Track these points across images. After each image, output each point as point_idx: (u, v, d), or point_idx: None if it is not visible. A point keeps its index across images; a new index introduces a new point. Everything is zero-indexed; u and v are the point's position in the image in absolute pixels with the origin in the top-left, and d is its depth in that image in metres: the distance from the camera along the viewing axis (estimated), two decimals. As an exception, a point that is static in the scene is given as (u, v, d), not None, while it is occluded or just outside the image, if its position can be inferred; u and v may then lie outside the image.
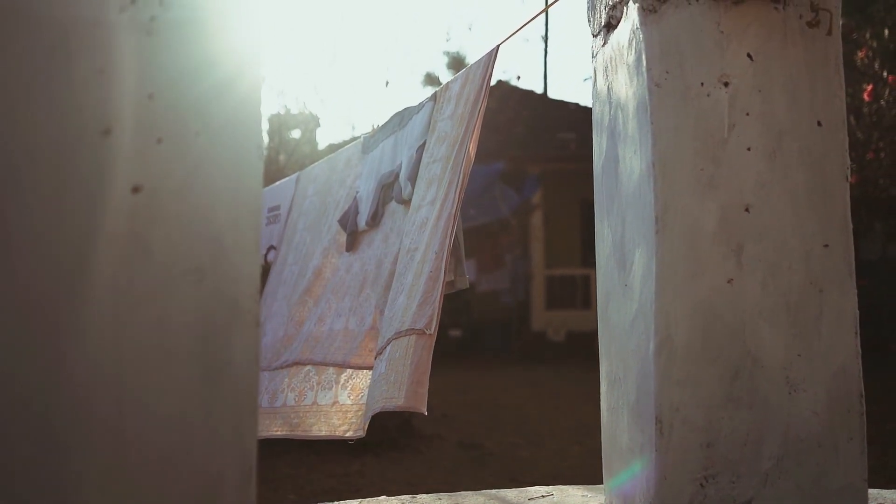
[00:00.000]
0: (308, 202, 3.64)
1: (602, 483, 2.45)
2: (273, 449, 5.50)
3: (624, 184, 2.29)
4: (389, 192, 3.02)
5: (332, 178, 3.51)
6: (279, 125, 10.61)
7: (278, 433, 3.08)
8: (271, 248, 3.90)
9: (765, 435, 2.11)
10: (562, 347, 13.90)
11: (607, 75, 2.43)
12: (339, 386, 2.81)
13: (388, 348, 2.43)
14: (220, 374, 1.45)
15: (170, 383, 1.39)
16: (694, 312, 2.11)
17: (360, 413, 2.64)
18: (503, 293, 14.16)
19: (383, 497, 2.63)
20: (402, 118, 3.18)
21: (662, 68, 2.17)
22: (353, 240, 3.14)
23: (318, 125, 11.66)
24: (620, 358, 2.28)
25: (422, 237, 2.56)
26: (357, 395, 2.72)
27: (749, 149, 2.18)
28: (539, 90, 20.61)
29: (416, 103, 3.10)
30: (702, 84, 2.18)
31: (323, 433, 2.83)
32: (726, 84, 2.18)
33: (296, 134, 10.99)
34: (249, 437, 1.48)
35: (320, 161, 3.77)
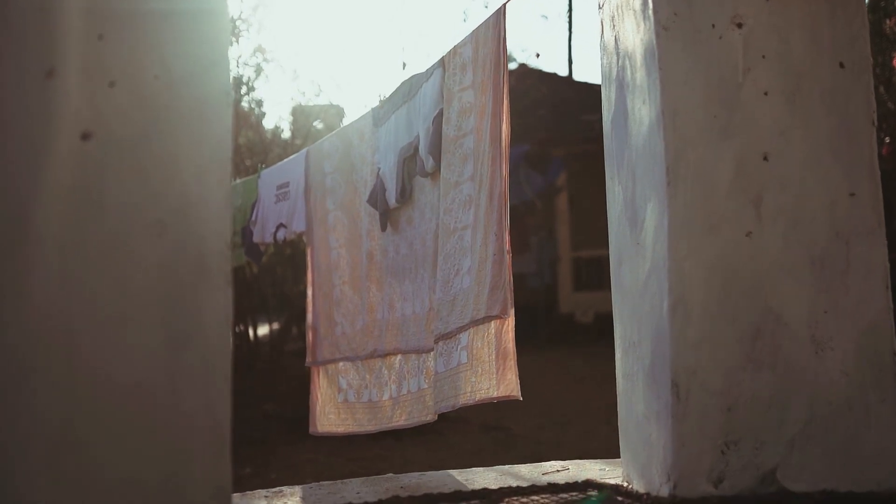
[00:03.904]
0: (329, 179, 3.52)
1: (620, 457, 2.32)
2: (291, 433, 5.42)
3: (633, 136, 2.16)
4: (413, 165, 2.92)
5: (350, 155, 3.39)
6: (299, 113, 10.52)
7: (371, 428, 3.10)
8: (281, 225, 3.79)
9: (790, 398, 1.97)
10: (590, 329, 13.68)
11: (614, 25, 2.30)
12: (419, 371, 2.79)
13: (463, 337, 2.37)
14: (186, 339, 1.33)
15: (128, 349, 1.27)
16: (710, 269, 1.97)
17: (431, 396, 2.59)
18: (530, 276, 13.98)
19: (390, 474, 2.53)
20: (410, 87, 3.06)
21: (670, 10, 2.03)
22: (388, 218, 3.06)
23: (344, 116, 11.54)
24: (634, 321, 2.15)
25: (468, 215, 2.46)
26: (430, 378, 2.67)
27: (766, 93, 2.04)
28: (564, 72, 20.39)
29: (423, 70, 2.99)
30: (713, 26, 2.04)
31: (414, 421, 2.81)
32: (739, 25, 2.04)
33: (319, 125, 10.87)
34: (221, 407, 1.36)
35: (329, 135, 3.65)
